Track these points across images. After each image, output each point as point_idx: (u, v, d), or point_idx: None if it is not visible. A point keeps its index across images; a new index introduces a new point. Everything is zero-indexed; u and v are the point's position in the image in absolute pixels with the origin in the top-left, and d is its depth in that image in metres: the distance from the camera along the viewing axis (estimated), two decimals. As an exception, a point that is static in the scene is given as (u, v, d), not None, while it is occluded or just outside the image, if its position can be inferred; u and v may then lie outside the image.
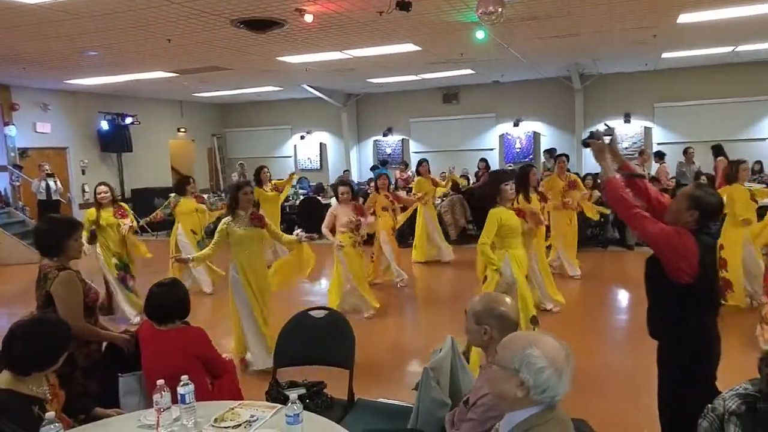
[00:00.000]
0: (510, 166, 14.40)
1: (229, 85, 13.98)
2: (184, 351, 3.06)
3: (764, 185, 10.90)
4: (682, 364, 2.87)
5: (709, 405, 2.37)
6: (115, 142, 14.39)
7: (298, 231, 5.35)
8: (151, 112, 15.75)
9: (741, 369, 2.76)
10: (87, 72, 10.88)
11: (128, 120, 14.50)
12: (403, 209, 8.78)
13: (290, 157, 18.00)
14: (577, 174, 9.55)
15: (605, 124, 3.91)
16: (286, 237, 5.37)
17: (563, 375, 1.82)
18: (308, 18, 6.96)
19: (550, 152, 13.19)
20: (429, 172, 9.56)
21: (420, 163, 9.59)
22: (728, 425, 2.25)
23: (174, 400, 2.55)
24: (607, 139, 3.09)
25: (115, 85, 12.75)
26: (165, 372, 2.67)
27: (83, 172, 14.10)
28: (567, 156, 8.42)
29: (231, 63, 10.49)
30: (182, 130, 17.13)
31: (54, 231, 3.33)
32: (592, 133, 3.13)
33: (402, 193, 9.89)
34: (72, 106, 13.80)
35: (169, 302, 3.16)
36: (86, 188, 13.91)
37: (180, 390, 2.52)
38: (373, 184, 11.59)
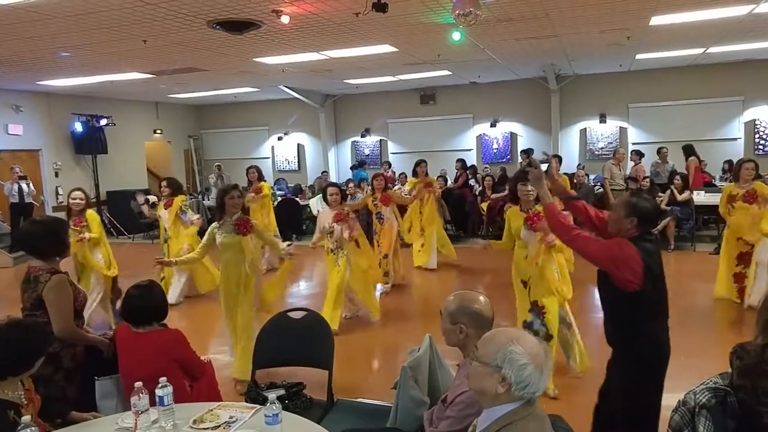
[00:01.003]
0: (486, 167, 14.51)
1: (205, 86, 13.87)
2: (162, 353, 3.05)
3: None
4: (635, 368, 2.98)
5: (680, 399, 2.41)
6: (90, 144, 14.15)
7: (285, 246, 5.28)
8: (126, 113, 15.56)
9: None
10: (60, 73, 10.72)
11: (103, 122, 14.26)
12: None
13: (268, 158, 17.92)
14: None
15: (544, 153, 4.09)
16: (278, 246, 5.31)
17: (543, 371, 1.87)
18: (285, 19, 6.95)
19: (527, 152, 13.32)
20: (426, 174, 9.32)
21: (418, 163, 9.32)
22: (699, 418, 2.29)
23: (152, 403, 2.54)
24: (544, 167, 3.23)
25: (89, 87, 12.57)
26: (143, 374, 2.66)
27: (57, 175, 13.86)
28: (560, 157, 8.44)
29: (207, 64, 10.42)
30: (158, 131, 16.94)
31: (49, 231, 3.30)
32: (530, 161, 3.26)
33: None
34: (45, 108, 13.57)
35: (146, 304, 3.15)
36: (60, 191, 13.72)
37: (158, 392, 2.51)
38: (351, 184, 11.66)
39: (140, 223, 13.48)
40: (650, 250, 2.91)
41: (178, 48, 8.77)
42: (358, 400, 3.68)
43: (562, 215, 3.10)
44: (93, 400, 3.11)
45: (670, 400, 2.55)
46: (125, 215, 13.81)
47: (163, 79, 11.99)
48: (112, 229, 13.92)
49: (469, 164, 14.10)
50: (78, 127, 13.95)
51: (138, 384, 2.51)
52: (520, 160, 13.59)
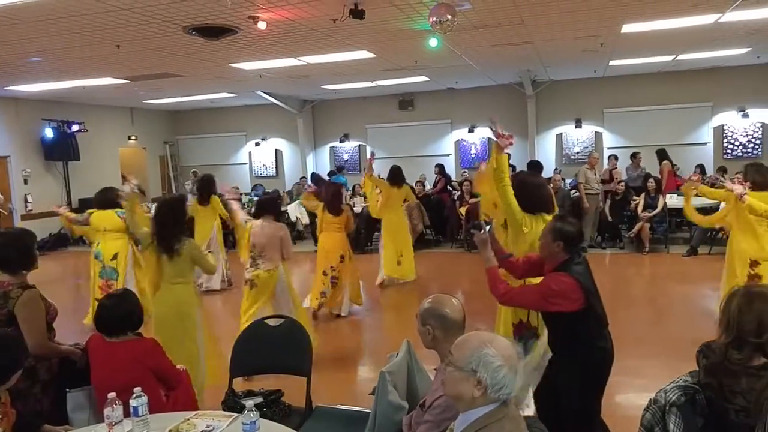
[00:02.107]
0: (465, 172, 14.59)
1: (181, 92, 13.76)
2: (137, 363, 3.00)
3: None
4: (582, 373, 3.15)
5: (652, 397, 2.45)
6: (61, 151, 13.87)
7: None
8: (99, 119, 15.32)
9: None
10: (30, 78, 10.53)
11: (75, 127, 14.02)
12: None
13: (245, 164, 17.83)
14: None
15: (485, 215, 4.14)
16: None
17: (518, 373, 1.88)
18: (261, 25, 6.92)
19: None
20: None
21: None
22: (669, 416, 2.32)
23: (126, 414, 2.50)
24: (488, 227, 3.42)
25: (61, 92, 12.36)
26: (116, 385, 2.61)
27: (26, 182, 13.55)
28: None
29: (183, 69, 10.34)
30: (133, 137, 16.72)
31: (18, 244, 3.23)
32: (475, 224, 3.43)
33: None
34: (13, 113, 13.26)
35: (119, 314, 3.09)
36: (29, 198, 13.47)
37: (132, 402, 2.47)
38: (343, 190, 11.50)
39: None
40: (582, 272, 3.13)
41: (153, 53, 8.68)
42: (337, 406, 3.67)
43: (501, 280, 3.29)
44: (65, 412, 3.05)
45: (644, 399, 2.59)
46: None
47: (138, 85, 11.86)
48: (83, 237, 13.68)
49: (447, 169, 14.14)
50: (48, 132, 13.68)
51: (111, 395, 2.47)
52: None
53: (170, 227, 4.21)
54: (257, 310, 5.23)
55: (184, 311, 4.26)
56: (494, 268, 3.32)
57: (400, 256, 8.62)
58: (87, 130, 14.30)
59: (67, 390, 3.10)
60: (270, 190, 14.91)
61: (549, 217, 3.83)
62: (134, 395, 2.49)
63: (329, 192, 7.22)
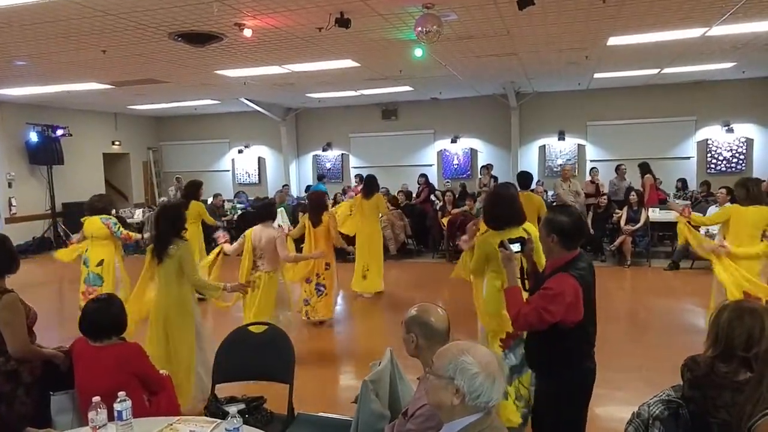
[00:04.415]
0: (447, 182, 14.68)
1: (166, 98, 13.70)
2: (121, 367, 2.99)
3: (688, 202, 11.53)
4: (557, 398, 2.91)
5: (635, 411, 2.47)
6: (45, 155, 13.76)
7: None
8: (83, 124, 15.24)
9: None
10: (15, 82, 10.45)
11: (59, 132, 13.93)
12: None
13: (228, 171, 17.77)
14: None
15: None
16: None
17: (496, 381, 1.89)
18: (247, 33, 6.94)
19: (487, 168, 13.53)
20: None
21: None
22: (652, 429, 2.35)
23: (110, 418, 2.49)
24: (515, 247, 3.15)
25: (46, 96, 12.28)
26: (100, 389, 2.61)
27: (10, 185, 13.44)
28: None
29: (168, 76, 10.31)
30: (116, 143, 16.63)
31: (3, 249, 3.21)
32: (502, 242, 3.17)
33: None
34: (-3, 117, 13.20)
35: (104, 318, 3.09)
36: (13, 202, 13.38)
37: (117, 406, 2.47)
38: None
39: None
40: (586, 279, 2.81)
41: (139, 59, 8.66)
42: (319, 414, 3.67)
43: (515, 301, 2.94)
44: (49, 415, 3.03)
45: (625, 412, 2.61)
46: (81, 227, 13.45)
47: (123, 90, 11.80)
48: (67, 241, 13.55)
49: (430, 180, 14.21)
50: (33, 137, 13.58)
51: (96, 398, 2.47)
52: (480, 176, 13.78)
53: (167, 233, 4.48)
54: (261, 314, 5.36)
55: (179, 311, 4.50)
56: (514, 289, 2.99)
57: (366, 270, 8.48)
58: (71, 135, 14.21)
59: (51, 393, 3.09)
60: (252, 198, 14.89)
61: (518, 230, 3.91)
62: (119, 399, 2.49)
63: (311, 202, 7.34)
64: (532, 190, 9.46)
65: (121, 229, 6.65)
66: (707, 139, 13.91)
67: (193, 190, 8.70)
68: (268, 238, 5.66)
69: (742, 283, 5.43)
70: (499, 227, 3.94)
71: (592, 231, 10.77)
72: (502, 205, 4.05)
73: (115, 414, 2.47)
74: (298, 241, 7.50)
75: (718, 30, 7.94)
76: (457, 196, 12.23)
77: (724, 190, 6.72)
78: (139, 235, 7.33)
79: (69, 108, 14.56)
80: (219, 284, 4.74)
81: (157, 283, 4.59)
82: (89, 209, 6.71)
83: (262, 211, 6.04)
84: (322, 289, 7.03)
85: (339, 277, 7.68)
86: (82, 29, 6.87)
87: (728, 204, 6.35)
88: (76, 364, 3.09)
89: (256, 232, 5.73)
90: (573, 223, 2.84)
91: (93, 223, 6.60)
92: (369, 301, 8.36)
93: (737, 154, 13.73)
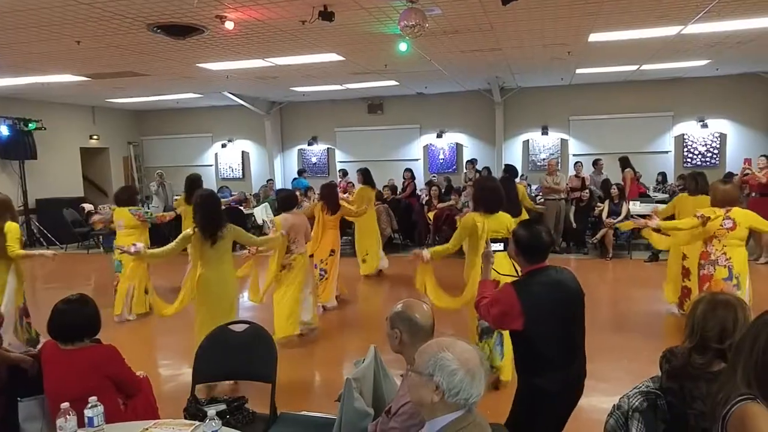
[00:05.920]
0: (433, 176, 14.65)
1: (146, 92, 13.48)
2: (94, 371, 2.88)
3: (667, 195, 11.62)
4: (518, 402, 2.99)
5: (615, 403, 2.51)
6: (17, 149, 13.35)
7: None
8: (59, 117, 14.87)
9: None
10: (-16, 73, 10.19)
11: (32, 125, 13.53)
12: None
13: (211, 165, 17.59)
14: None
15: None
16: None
17: (476, 377, 1.87)
18: (229, 25, 6.82)
19: (472, 163, 13.54)
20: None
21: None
22: (632, 421, 2.39)
23: (81, 424, 2.40)
24: (497, 246, 3.67)
25: (18, 88, 11.95)
26: (72, 394, 2.51)
27: (-22, 180, 13.11)
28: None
29: (148, 69, 10.13)
30: (95, 137, 16.32)
31: None
32: (486, 240, 3.69)
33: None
34: (-36, 110, 12.83)
35: (78, 320, 2.96)
36: (-18, 199, 13.02)
37: (87, 413, 2.38)
38: (298, 192, 11.46)
39: (74, 232, 12.98)
40: (536, 292, 2.82)
41: (116, 51, 8.48)
42: (302, 413, 3.62)
43: (482, 291, 3.15)
44: (16, 422, 2.92)
45: (607, 403, 2.63)
46: (57, 224, 13.24)
47: (100, 83, 11.58)
48: (41, 239, 13.33)
49: (416, 174, 14.17)
50: (4, 130, 13.17)
51: (65, 405, 2.37)
52: (465, 170, 13.78)
53: (214, 219, 4.87)
54: (294, 290, 6.15)
55: (227, 286, 4.97)
56: (485, 281, 3.24)
57: (365, 254, 9.25)
58: (45, 129, 13.82)
59: (19, 399, 2.98)
60: (235, 192, 14.75)
61: (507, 216, 4.74)
62: (89, 405, 2.40)
63: (326, 194, 7.86)
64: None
65: (153, 214, 7.51)
66: (684, 134, 14.08)
67: (198, 183, 8.59)
68: (299, 223, 6.31)
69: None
70: (487, 210, 4.68)
71: (574, 225, 10.89)
72: (487, 190, 4.84)
73: (86, 420, 2.38)
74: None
75: (693, 28, 8.09)
76: (443, 190, 12.20)
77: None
78: (172, 213, 8.04)
79: (43, 101, 14.20)
80: (276, 234, 5.75)
81: (210, 262, 4.87)
82: (116, 201, 7.47)
83: (284, 201, 6.59)
84: (323, 273, 7.53)
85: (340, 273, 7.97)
86: (54, 18, 6.64)
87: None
88: (45, 369, 2.97)
89: (285, 220, 6.22)
90: (529, 238, 2.91)
91: (122, 214, 7.21)
92: (352, 297, 8.31)
93: (711, 149, 13.92)
